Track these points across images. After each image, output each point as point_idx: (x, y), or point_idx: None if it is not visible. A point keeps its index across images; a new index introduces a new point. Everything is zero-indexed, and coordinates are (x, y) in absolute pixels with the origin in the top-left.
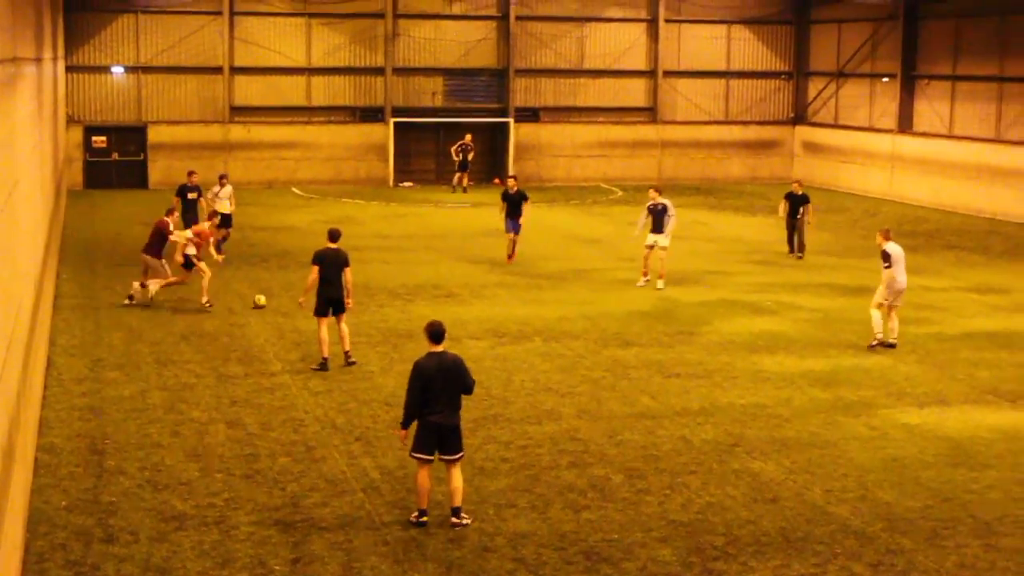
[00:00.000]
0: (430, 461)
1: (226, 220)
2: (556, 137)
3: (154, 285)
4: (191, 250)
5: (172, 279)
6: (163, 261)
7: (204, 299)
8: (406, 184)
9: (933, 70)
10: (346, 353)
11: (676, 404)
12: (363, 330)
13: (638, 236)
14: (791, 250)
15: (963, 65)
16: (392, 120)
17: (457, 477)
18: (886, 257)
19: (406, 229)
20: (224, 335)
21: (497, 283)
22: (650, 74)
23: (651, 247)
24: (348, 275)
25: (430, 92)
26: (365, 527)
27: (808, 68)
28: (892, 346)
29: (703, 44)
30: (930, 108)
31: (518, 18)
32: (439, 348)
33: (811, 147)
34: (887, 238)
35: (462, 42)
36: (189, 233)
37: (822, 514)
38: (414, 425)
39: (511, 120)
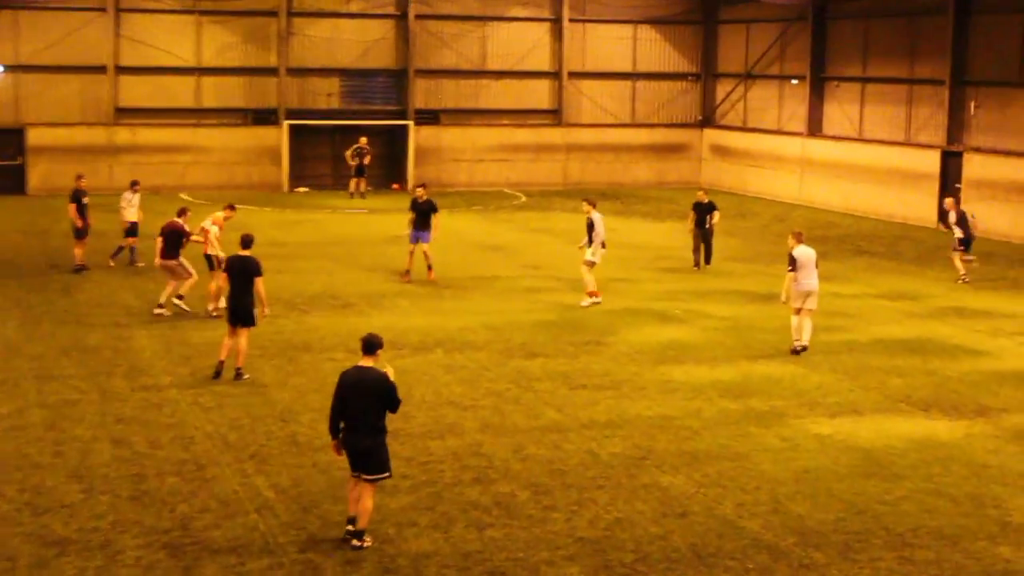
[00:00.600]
0: (354, 475)
1: (133, 228)
2: (457, 140)
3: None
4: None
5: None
6: (181, 260)
7: (211, 306)
8: (301, 189)
9: (843, 72)
10: (237, 369)
11: (583, 416)
12: (257, 342)
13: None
14: (696, 264)
15: (873, 67)
16: (286, 122)
17: (366, 498)
18: (791, 261)
19: (301, 236)
20: (109, 348)
21: (397, 293)
22: (554, 75)
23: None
24: (259, 285)
25: (326, 93)
26: (259, 550)
27: (716, 70)
28: (804, 349)
29: (609, 45)
30: (840, 111)
31: (417, 17)
32: (368, 361)
33: (719, 150)
34: (799, 240)
35: (359, 41)
36: (216, 228)
37: (733, 528)
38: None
39: (411, 123)
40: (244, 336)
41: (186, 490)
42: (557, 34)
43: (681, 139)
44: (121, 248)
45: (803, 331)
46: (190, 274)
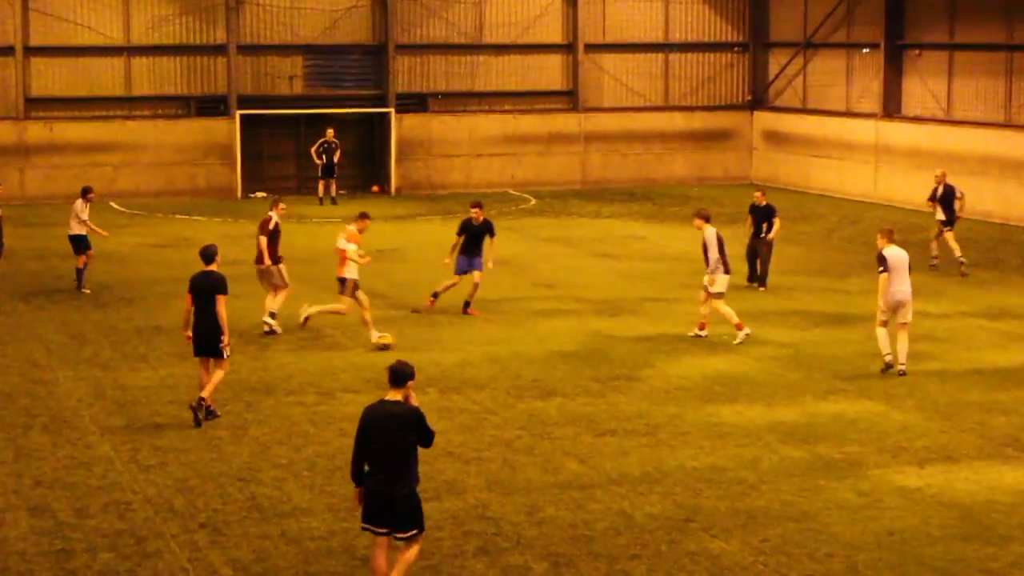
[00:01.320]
0: (381, 534)
1: (84, 243)
2: (450, 131)
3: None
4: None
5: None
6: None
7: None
8: (258, 195)
9: (925, 38)
10: (199, 400)
11: (612, 470)
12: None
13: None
14: (751, 279)
15: (962, 31)
16: (239, 112)
17: (403, 561)
18: (881, 261)
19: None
20: (25, 395)
21: (380, 320)
22: (568, 48)
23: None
24: (220, 305)
25: (287, 76)
26: None
27: (768, 38)
28: (901, 373)
29: (634, 9)
30: (922, 86)
31: None
32: (396, 395)
33: (774, 138)
34: (889, 240)
35: (327, 11)
36: (353, 247)
37: None
38: None
39: (392, 110)
40: (216, 370)
41: (123, 569)
42: None
43: (726, 124)
44: (80, 270)
45: (898, 350)
46: (286, 284)
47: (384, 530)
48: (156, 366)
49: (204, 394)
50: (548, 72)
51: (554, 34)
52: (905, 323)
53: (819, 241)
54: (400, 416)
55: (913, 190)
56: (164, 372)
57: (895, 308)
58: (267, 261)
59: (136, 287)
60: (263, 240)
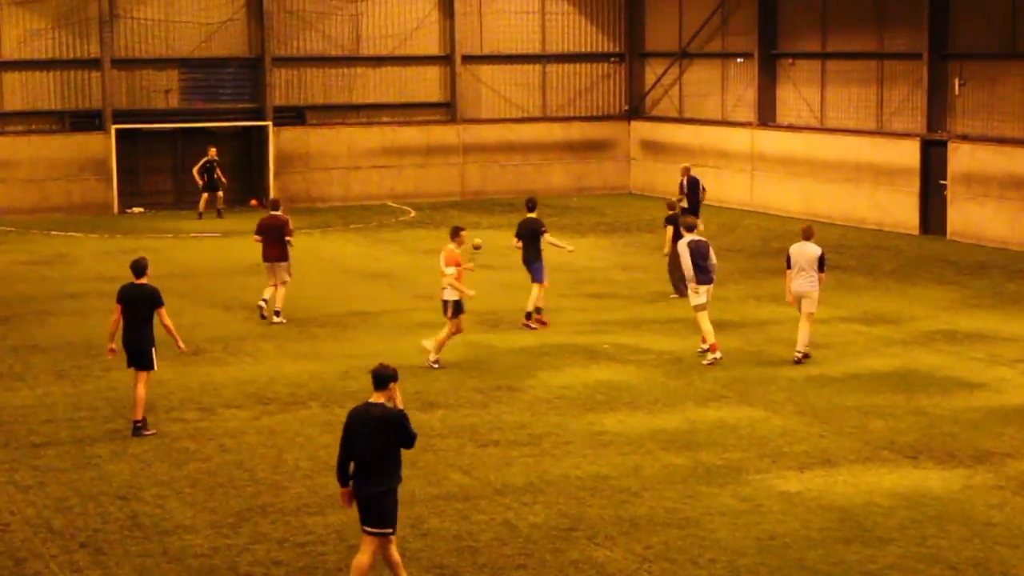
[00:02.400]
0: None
1: None
2: (328, 143)
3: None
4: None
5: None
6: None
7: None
8: (135, 210)
9: (798, 47)
10: (135, 422)
11: (495, 480)
12: (85, 401)
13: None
14: (677, 291)
15: (835, 39)
16: (114, 127)
17: (393, 565)
18: (787, 258)
19: None
20: None
21: (260, 334)
22: (445, 60)
23: None
24: (163, 317)
25: (163, 90)
26: None
27: (644, 48)
28: (797, 360)
29: (511, 21)
30: (796, 94)
31: None
32: (379, 397)
33: (651, 147)
34: (804, 237)
35: (202, 24)
36: (452, 270)
37: None
38: None
39: (269, 123)
40: (143, 381)
41: None
42: (447, 9)
43: (604, 134)
44: None
45: (798, 337)
46: (288, 279)
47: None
48: (33, 385)
49: (138, 415)
50: (426, 84)
51: (431, 46)
52: (808, 313)
53: None
54: (382, 418)
55: (788, 198)
56: (41, 391)
57: (798, 301)
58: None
59: (11, 305)
60: (258, 239)
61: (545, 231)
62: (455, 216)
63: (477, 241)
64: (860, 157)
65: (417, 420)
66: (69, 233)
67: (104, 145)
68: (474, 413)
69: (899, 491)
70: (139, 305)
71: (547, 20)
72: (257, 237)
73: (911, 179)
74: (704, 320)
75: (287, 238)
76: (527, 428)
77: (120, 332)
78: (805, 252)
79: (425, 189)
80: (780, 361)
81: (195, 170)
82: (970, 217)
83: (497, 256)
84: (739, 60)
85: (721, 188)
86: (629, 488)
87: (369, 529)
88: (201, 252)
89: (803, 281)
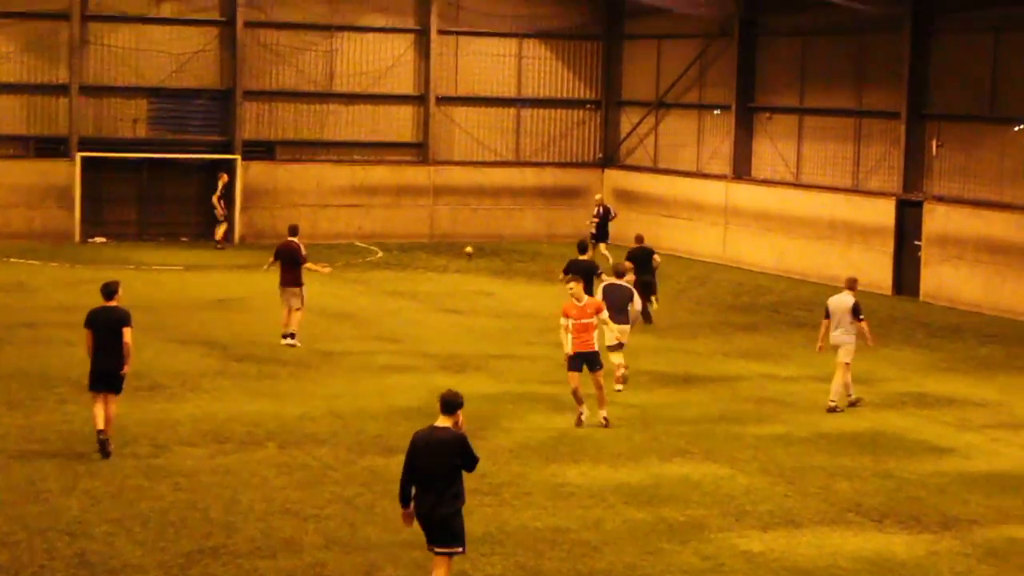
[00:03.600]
0: (430, 549)
1: None
2: (297, 180)
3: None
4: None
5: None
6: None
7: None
8: (97, 239)
9: (776, 101)
10: (100, 431)
11: None
12: (37, 433)
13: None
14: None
15: (812, 95)
16: (79, 155)
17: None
18: (826, 309)
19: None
20: None
21: (218, 371)
22: (419, 100)
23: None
24: (127, 336)
25: (131, 119)
26: None
27: (620, 96)
28: (830, 410)
29: (487, 63)
30: (772, 149)
31: (247, 24)
32: (446, 422)
33: (624, 196)
34: (847, 287)
35: (173, 54)
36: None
37: None
38: None
39: (238, 157)
40: (113, 404)
41: None
42: (423, 49)
43: (577, 181)
44: None
45: (831, 387)
46: (302, 304)
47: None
48: None
49: (106, 427)
50: (399, 123)
51: (406, 85)
52: (842, 363)
53: (668, 301)
54: (446, 442)
55: (761, 253)
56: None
57: (835, 350)
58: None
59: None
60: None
61: (600, 272)
62: (423, 258)
63: (469, 249)
64: (835, 214)
65: (376, 465)
66: (28, 261)
67: (68, 172)
68: None
69: (863, 555)
70: (109, 328)
71: (524, 64)
72: (271, 262)
73: (886, 239)
74: (616, 357)
75: (305, 264)
76: (487, 477)
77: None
78: (843, 303)
79: (394, 230)
80: (747, 418)
81: (216, 198)
82: (944, 279)
83: (462, 301)
84: (716, 112)
85: (694, 241)
86: (589, 542)
87: (440, 549)
88: (163, 286)
89: (839, 332)
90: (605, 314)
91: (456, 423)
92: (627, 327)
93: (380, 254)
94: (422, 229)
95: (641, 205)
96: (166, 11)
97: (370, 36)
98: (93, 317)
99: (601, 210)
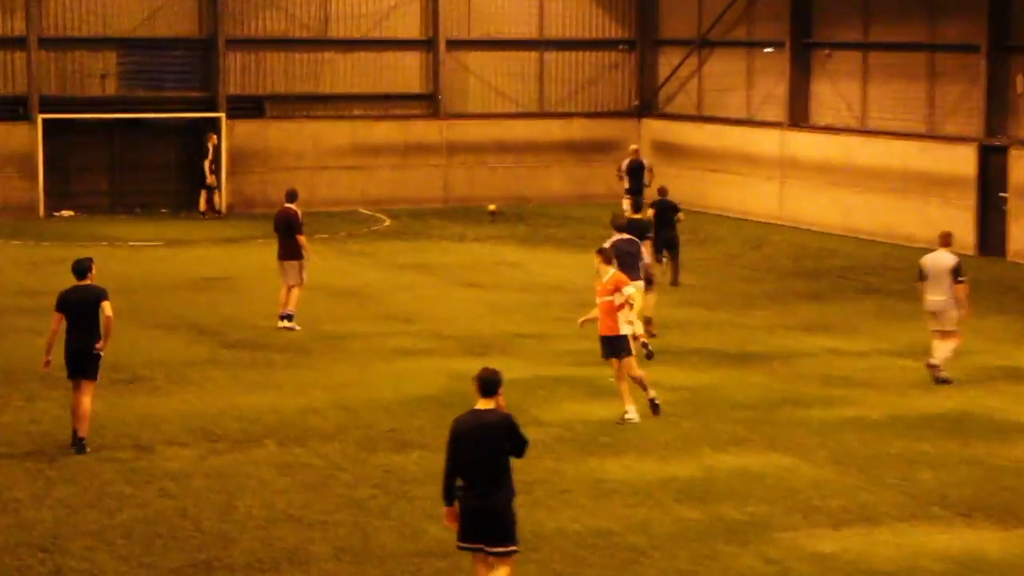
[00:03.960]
0: (478, 551)
1: None
2: (291, 140)
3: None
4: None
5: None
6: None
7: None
8: (64, 213)
9: (836, 36)
10: (79, 437)
11: None
12: (3, 435)
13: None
14: (673, 282)
15: (878, 28)
16: (41, 117)
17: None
18: (919, 271)
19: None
20: None
21: (208, 360)
22: (428, 45)
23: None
24: (107, 310)
25: (99, 75)
26: None
27: (658, 34)
28: (939, 380)
29: (504, 0)
30: (833, 90)
31: None
32: (488, 403)
33: (665, 149)
34: (942, 243)
35: None
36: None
37: None
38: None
39: (222, 115)
40: (88, 392)
41: None
42: None
43: (610, 133)
44: None
45: (936, 356)
46: (301, 281)
47: (479, 546)
48: None
49: (82, 432)
50: (404, 72)
51: (411, 28)
52: (943, 331)
53: (718, 268)
54: (494, 424)
55: (823, 210)
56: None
57: (932, 318)
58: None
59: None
60: (302, 239)
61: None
62: (437, 225)
63: (492, 207)
64: (907, 164)
65: (390, 463)
66: None
67: (29, 137)
68: None
69: (950, 554)
70: (84, 308)
71: (546, 1)
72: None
73: (966, 191)
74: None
75: (299, 236)
76: (518, 474)
77: (59, 343)
78: (940, 262)
79: (402, 194)
80: (812, 400)
81: (207, 163)
82: None
83: (483, 273)
84: (768, 50)
85: (746, 198)
86: (636, 546)
87: (496, 549)
88: (140, 264)
89: (938, 297)
90: (630, 289)
91: (498, 404)
92: (639, 284)
93: (388, 222)
94: (435, 192)
95: (684, 159)
96: None
97: None
98: (64, 298)
99: (628, 164)
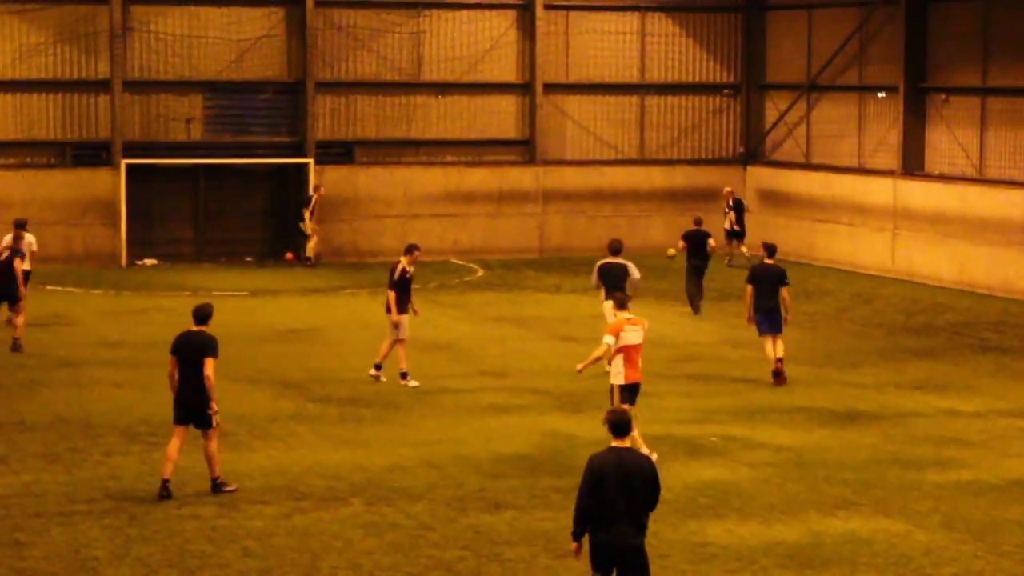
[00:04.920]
0: None
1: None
2: (381, 186)
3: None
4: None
5: None
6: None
7: None
8: (147, 261)
9: (952, 80)
10: (214, 480)
11: None
12: (81, 491)
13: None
14: (695, 309)
15: (999, 71)
16: (124, 162)
17: None
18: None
19: (148, 333)
20: None
21: (292, 415)
22: (524, 88)
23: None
24: (208, 369)
25: (184, 119)
26: None
27: (765, 79)
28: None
29: (604, 44)
30: (950, 137)
31: (319, 3)
32: (622, 443)
33: (771, 198)
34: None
35: (233, 41)
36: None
37: None
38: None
39: (310, 161)
40: (210, 439)
41: None
42: (527, 28)
43: (714, 181)
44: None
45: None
46: (403, 338)
47: None
48: (19, 470)
49: (215, 473)
50: (500, 117)
51: (508, 71)
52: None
53: (826, 323)
54: (641, 465)
55: (938, 263)
56: (29, 478)
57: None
58: (395, 313)
59: None
60: (391, 294)
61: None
62: (532, 276)
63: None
64: None
65: (481, 523)
66: (68, 288)
67: (112, 183)
68: (550, 517)
69: None
70: (192, 356)
71: (647, 43)
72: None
73: None
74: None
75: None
76: None
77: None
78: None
79: (496, 243)
80: (925, 462)
81: (307, 212)
82: None
83: (579, 327)
84: (880, 95)
85: (856, 250)
86: None
87: None
88: (225, 314)
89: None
90: (609, 339)
91: (634, 441)
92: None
93: (480, 272)
94: (530, 242)
95: (791, 208)
96: None
97: (464, 14)
98: (178, 342)
99: (732, 201)
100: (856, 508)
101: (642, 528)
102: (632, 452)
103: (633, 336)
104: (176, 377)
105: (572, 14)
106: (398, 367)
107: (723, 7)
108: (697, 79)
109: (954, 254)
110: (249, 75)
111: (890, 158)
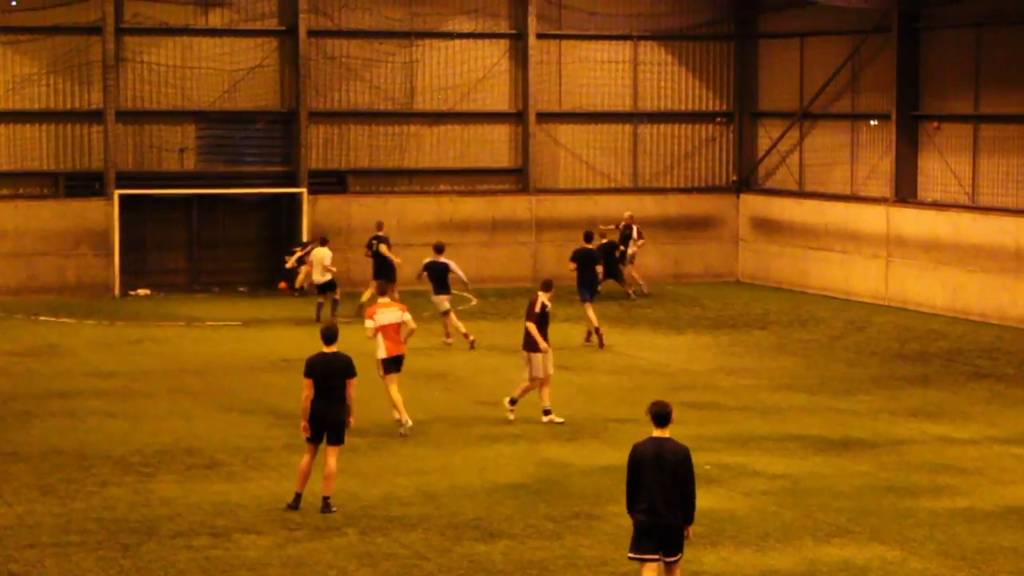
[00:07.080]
0: (652, 560)
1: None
2: (374, 215)
3: None
4: None
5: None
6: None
7: None
8: (140, 291)
9: (945, 107)
10: (325, 498)
11: None
12: (75, 523)
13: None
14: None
15: (991, 98)
16: (117, 192)
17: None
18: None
19: (142, 363)
20: None
21: (285, 445)
22: (517, 117)
23: None
24: (351, 388)
25: (177, 149)
26: None
27: (757, 107)
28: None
29: (597, 72)
30: (942, 165)
31: (312, 33)
32: (664, 433)
33: (764, 226)
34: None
35: (226, 71)
36: None
37: None
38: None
39: (303, 190)
40: (334, 455)
41: None
42: (520, 57)
43: (707, 210)
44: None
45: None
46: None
47: (656, 556)
48: (12, 501)
49: (328, 491)
50: (493, 146)
51: (500, 101)
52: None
53: (820, 351)
54: (679, 453)
55: (931, 290)
56: (22, 509)
57: None
58: (543, 345)
59: None
60: (531, 326)
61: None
62: (525, 305)
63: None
64: (1020, 242)
65: (475, 553)
66: (61, 319)
67: (105, 214)
68: (545, 545)
69: None
70: (332, 376)
71: (640, 72)
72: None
73: None
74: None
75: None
76: (609, 565)
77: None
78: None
79: (490, 272)
80: (920, 489)
81: (294, 257)
82: None
83: (574, 356)
84: (873, 123)
85: (850, 277)
86: None
87: (674, 558)
88: (218, 344)
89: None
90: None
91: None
92: (444, 297)
93: (474, 302)
94: (523, 271)
95: (784, 236)
96: (215, 20)
97: (457, 43)
98: (311, 364)
99: (623, 227)
100: (851, 535)
101: (678, 510)
102: (671, 441)
103: (388, 316)
104: (311, 398)
105: (565, 43)
106: (540, 405)
107: (716, 36)
108: (690, 107)
109: (947, 281)
110: (242, 105)
111: (883, 186)
